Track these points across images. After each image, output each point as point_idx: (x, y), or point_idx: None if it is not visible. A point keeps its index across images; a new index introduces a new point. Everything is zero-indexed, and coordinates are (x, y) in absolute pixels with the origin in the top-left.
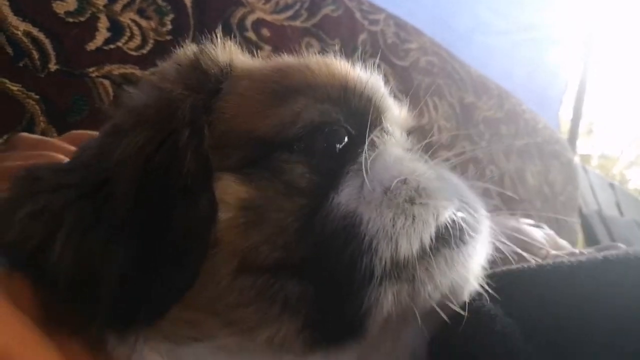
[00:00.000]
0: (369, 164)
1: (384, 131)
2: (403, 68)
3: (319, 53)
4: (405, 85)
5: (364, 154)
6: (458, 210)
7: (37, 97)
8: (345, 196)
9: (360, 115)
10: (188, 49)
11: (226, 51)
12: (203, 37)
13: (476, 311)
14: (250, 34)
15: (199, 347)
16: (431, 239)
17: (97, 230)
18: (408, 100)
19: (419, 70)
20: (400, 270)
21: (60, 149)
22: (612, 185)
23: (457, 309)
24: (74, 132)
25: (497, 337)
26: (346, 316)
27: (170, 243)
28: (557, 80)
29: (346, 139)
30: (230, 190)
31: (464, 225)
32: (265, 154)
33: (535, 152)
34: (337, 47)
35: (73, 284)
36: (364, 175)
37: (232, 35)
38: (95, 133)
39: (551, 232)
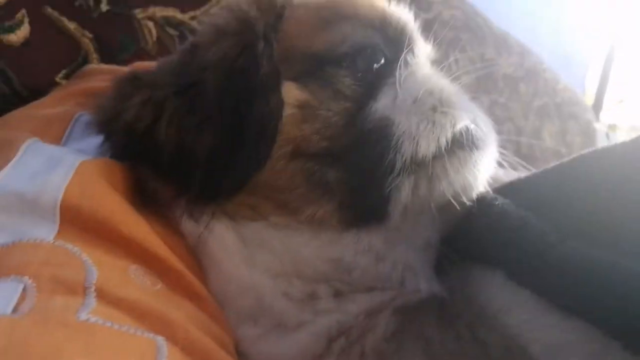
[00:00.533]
0: (402, 78)
1: (415, 55)
2: (427, 21)
3: None
4: (428, 39)
5: (398, 70)
6: (471, 122)
7: (91, 35)
8: (382, 104)
9: (396, 41)
10: None
11: None
12: None
13: (489, 204)
14: None
15: (255, 225)
16: (447, 142)
17: (191, 118)
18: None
19: (443, 23)
20: (419, 166)
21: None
22: None
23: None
24: (138, 63)
25: (512, 218)
26: (372, 201)
27: (249, 129)
28: (584, 44)
29: (383, 60)
30: (291, 93)
31: (476, 134)
32: (319, 67)
33: (554, 112)
34: None
35: (174, 159)
36: (398, 87)
37: None
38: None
39: None
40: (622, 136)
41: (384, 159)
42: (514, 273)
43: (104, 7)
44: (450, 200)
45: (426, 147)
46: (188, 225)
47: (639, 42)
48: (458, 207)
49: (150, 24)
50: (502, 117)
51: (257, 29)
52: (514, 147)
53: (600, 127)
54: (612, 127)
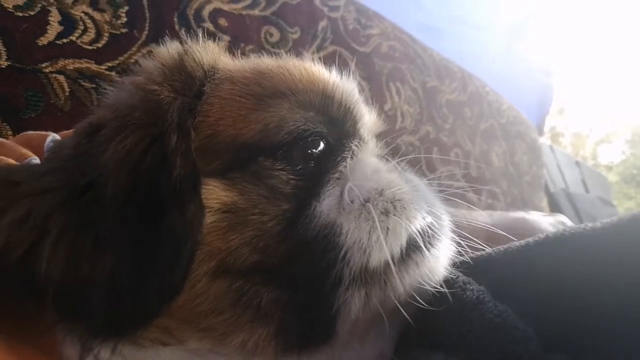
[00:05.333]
0: (348, 173)
1: (361, 140)
2: (364, 54)
3: (278, 42)
4: (367, 72)
5: (344, 164)
6: (426, 216)
7: None
8: (326, 205)
9: (339, 123)
10: (171, 49)
11: (209, 52)
12: (160, 30)
13: (463, 288)
14: (208, 25)
15: (166, 351)
16: (402, 248)
17: (86, 236)
18: (370, 86)
19: (381, 55)
20: (370, 276)
21: (12, 151)
22: (578, 164)
23: (425, 304)
24: (27, 133)
25: (489, 317)
26: (318, 320)
27: (160, 247)
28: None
29: (323, 145)
30: (214, 195)
31: (431, 230)
32: (249, 158)
33: (500, 134)
34: (296, 36)
35: (63, 291)
36: (344, 185)
37: (189, 27)
38: (48, 134)
39: (564, 219)
40: (566, 144)
41: (329, 272)
42: None
43: (3, 62)
44: (405, 301)
45: (379, 258)
46: (70, 350)
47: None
48: (413, 306)
49: (61, 78)
50: (449, 144)
51: (168, 117)
52: (463, 171)
53: (543, 140)
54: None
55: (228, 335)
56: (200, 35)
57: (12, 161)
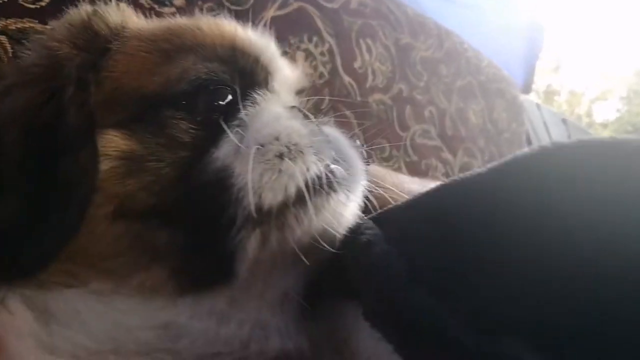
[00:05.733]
0: (247, 121)
1: (269, 90)
2: (332, 10)
3: (237, 0)
4: (335, 29)
5: (242, 111)
6: (330, 163)
7: None
8: (223, 151)
9: (247, 74)
10: (82, 9)
11: (119, 12)
12: None
13: (358, 234)
14: None
15: (69, 293)
16: (299, 190)
17: None
18: (338, 43)
19: (350, 12)
20: (266, 217)
21: None
22: (564, 121)
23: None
24: None
25: (374, 260)
26: (213, 262)
27: (55, 193)
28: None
29: (230, 97)
30: (112, 143)
31: (334, 176)
32: (152, 110)
33: (478, 91)
34: None
35: None
36: (243, 132)
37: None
38: None
39: None
40: (562, 102)
41: (223, 214)
42: (368, 313)
43: None
44: (313, 243)
45: (272, 199)
46: None
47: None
48: (324, 248)
49: (3, 38)
50: (423, 101)
51: (66, 72)
52: (438, 130)
53: (528, 99)
54: (551, 93)
55: (127, 276)
56: None
57: None
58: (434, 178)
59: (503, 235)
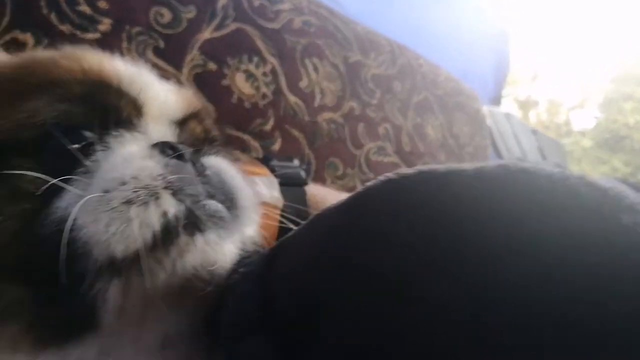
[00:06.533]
0: (93, 167)
1: (133, 129)
2: (273, 31)
3: (171, 23)
4: (277, 49)
5: (93, 157)
6: (204, 199)
7: None
8: (65, 200)
9: (108, 113)
10: None
11: None
12: (25, 14)
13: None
14: (84, 8)
15: None
16: (157, 234)
17: None
18: (281, 63)
19: (293, 32)
20: (122, 266)
21: None
22: (534, 132)
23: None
24: None
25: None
26: (71, 313)
27: None
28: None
29: (85, 140)
30: None
31: (205, 214)
32: None
33: (436, 106)
34: (191, 15)
35: None
36: (89, 179)
37: (60, 10)
38: None
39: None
40: (541, 112)
41: (72, 267)
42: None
43: None
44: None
45: (124, 249)
46: None
47: (550, 22)
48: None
49: None
50: (377, 119)
51: None
52: (394, 146)
53: (497, 110)
54: (530, 103)
55: None
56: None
57: None
58: None
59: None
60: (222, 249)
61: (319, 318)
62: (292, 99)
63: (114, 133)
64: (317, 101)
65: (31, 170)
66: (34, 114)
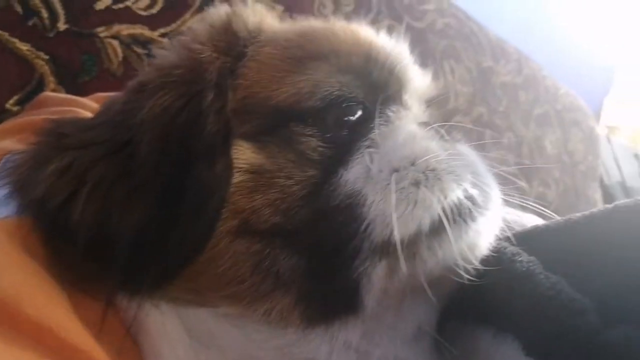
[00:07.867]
0: (379, 141)
1: (402, 105)
2: (419, 30)
3: (332, 14)
4: (420, 48)
5: (377, 131)
6: (469, 188)
7: (47, 57)
8: (353, 174)
9: (380, 88)
10: (221, 10)
11: (256, 14)
12: None
13: (510, 260)
14: None
15: (203, 313)
16: (434, 221)
17: (119, 188)
18: (422, 62)
19: (436, 32)
20: (394, 249)
21: (86, 106)
22: (636, 156)
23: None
24: (100, 94)
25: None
26: (337, 290)
27: (187, 201)
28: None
29: (360, 112)
30: (243, 156)
31: (472, 204)
32: (280, 123)
33: (555, 120)
34: (350, 8)
35: (92, 243)
36: (373, 152)
37: None
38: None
39: None
40: (623, 138)
41: (349, 242)
42: (534, 347)
43: (61, 25)
44: (444, 274)
45: (404, 231)
46: (123, 300)
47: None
48: (454, 280)
49: (115, 43)
50: (502, 127)
51: (207, 76)
52: (515, 157)
53: (600, 130)
54: (612, 130)
55: (252, 304)
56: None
57: (87, 113)
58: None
59: None
60: (484, 240)
61: None
62: None
63: (392, 108)
64: (451, 103)
65: (314, 138)
66: (317, 84)
